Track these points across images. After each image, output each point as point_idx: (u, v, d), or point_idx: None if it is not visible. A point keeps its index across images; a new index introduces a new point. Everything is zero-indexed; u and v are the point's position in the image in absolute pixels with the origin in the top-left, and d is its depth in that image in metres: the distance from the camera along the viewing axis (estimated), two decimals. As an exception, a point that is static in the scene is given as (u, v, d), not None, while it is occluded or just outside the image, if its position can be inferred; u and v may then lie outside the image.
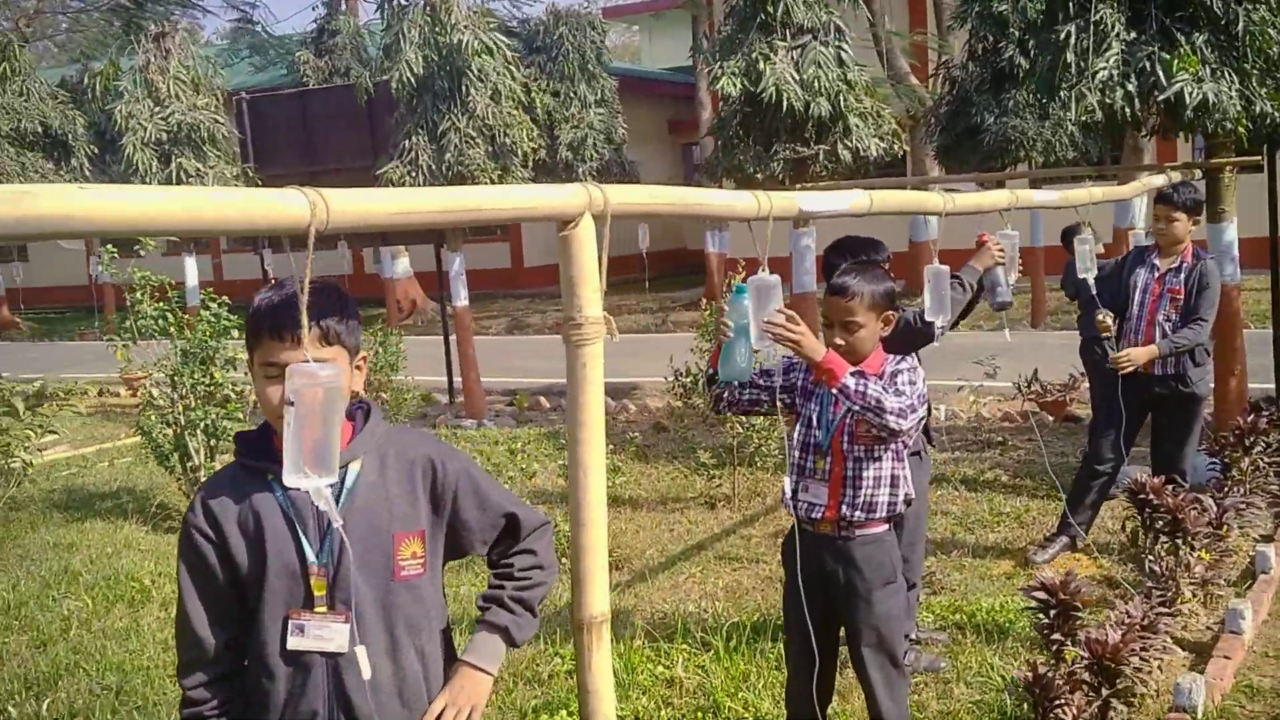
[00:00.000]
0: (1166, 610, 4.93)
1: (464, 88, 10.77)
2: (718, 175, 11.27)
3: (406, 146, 10.67)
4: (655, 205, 2.77)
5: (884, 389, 3.43)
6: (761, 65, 9.52)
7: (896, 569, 3.65)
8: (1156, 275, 6.44)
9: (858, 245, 4.99)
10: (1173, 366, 6.31)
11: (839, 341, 3.57)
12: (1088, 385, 8.32)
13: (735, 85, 9.63)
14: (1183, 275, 6.37)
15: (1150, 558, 5.40)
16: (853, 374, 3.40)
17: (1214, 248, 8.39)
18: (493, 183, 10.46)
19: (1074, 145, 15.19)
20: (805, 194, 3.48)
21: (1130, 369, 6.15)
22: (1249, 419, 6.75)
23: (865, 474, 3.58)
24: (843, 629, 3.81)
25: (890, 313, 3.65)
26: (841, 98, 9.68)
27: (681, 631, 5.49)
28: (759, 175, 13.43)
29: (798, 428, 3.76)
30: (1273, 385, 9.29)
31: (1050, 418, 10.22)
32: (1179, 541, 5.23)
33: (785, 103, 9.29)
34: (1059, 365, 11.55)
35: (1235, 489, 6.44)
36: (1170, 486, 5.70)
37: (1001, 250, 4.87)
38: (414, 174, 10.45)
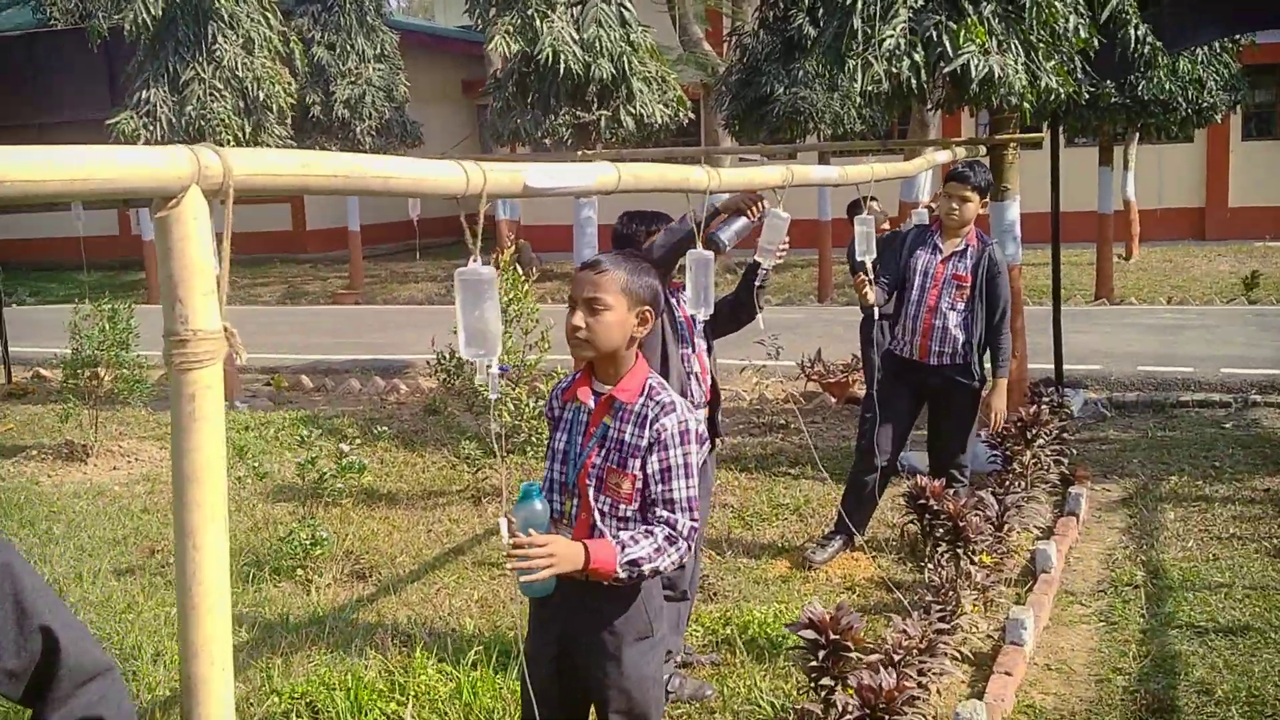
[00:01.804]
0: (946, 627, 4.55)
1: (211, 34, 9.71)
2: (504, 139, 10.58)
3: (144, 97, 9.54)
4: (305, 177, 2.07)
5: (660, 542, 2.85)
6: (539, 23, 8.84)
7: (653, 620, 3.04)
8: (940, 259, 6.12)
9: (645, 216, 4.63)
10: (960, 357, 6.05)
11: (578, 324, 2.94)
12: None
13: (510, 44, 8.93)
14: (969, 261, 6.08)
15: (930, 566, 5.04)
16: (625, 562, 2.80)
17: (997, 227, 8.20)
18: (240, 140, 9.48)
19: (861, 118, 15.05)
20: (536, 166, 2.83)
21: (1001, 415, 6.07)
22: (1031, 410, 6.51)
23: (616, 528, 2.97)
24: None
25: (648, 310, 3.03)
26: (625, 60, 9.09)
27: (421, 662, 4.83)
28: (547, 140, 12.80)
29: (547, 462, 3.14)
30: (1052, 366, 9.26)
31: (833, 399, 9.95)
32: (959, 550, 4.87)
33: (563, 64, 8.64)
34: (844, 343, 11.34)
35: (1016, 483, 6.19)
36: (951, 490, 5.36)
37: (757, 203, 4.32)
38: (150, 127, 9.35)
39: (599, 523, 2.94)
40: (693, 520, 2.91)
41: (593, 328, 2.92)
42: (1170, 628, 5.14)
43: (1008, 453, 6.33)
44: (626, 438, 2.94)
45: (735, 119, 15.60)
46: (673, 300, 4.73)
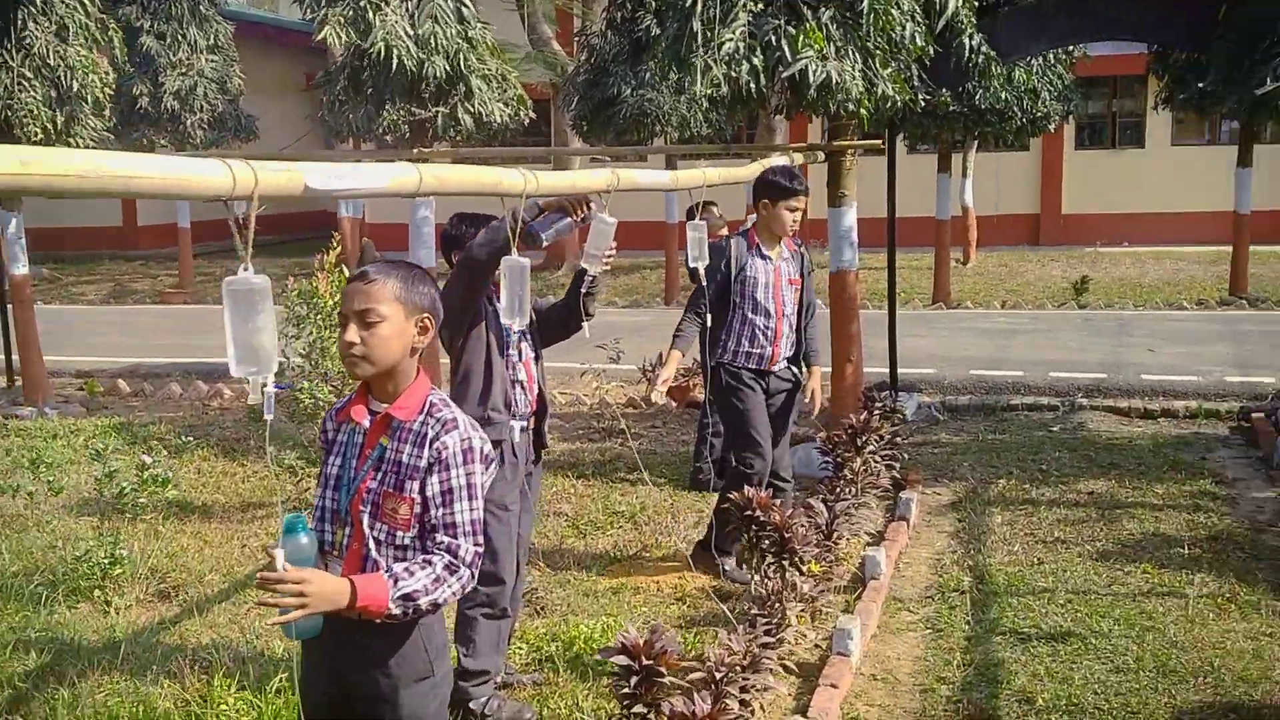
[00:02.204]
0: (771, 640, 4.46)
1: (21, 20, 9.12)
2: (342, 134, 10.20)
3: (-58, 84, 8.91)
4: (22, 177, 1.81)
5: (439, 572, 2.63)
6: (371, 16, 8.52)
7: (434, 659, 2.83)
8: (773, 265, 6.05)
9: (477, 219, 4.47)
10: (795, 360, 6.10)
11: (351, 340, 2.72)
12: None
13: (340, 37, 8.59)
14: (796, 264, 6.12)
15: (757, 578, 4.95)
16: (398, 597, 2.57)
17: (834, 232, 8.22)
18: (50, 132, 8.91)
19: (708, 122, 15.07)
20: (319, 166, 2.61)
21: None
22: (862, 417, 6.50)
23: (393, 558, 2.76)
24: None
25: (428, 318, 2.83)
26: (462, 57, 8.83)
27: (221, 690, 4.53)
28: (389, 137, 12.42)
29: (318, 489, 2.90)
30: (887, 370, 9.35)
31: (674, 403, 9.87)
32: (785, 561, 4.79)
33: (396, 59, 8.35)
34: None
35: (847, 489, 6.16)
36: (779, 500, 5.30)
37: (582, 204, 4.15)
38: (-52, 116, 8.73)
39: (374, 553, 2.72)
40: (476, 546, 2.71)
41: (368, 342, 2.71)
42: (994, 634, 5.16)
43: (839, 459, 6.31)
44: (405, 458, 2.73)
45: (583, 120, 15.47)
46: (498, 305, 4.55)
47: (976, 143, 18.41)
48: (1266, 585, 5.60)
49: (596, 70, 14.94)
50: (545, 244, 4.12)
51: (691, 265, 5.39)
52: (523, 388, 4.56)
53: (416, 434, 2.73)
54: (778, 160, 7.24)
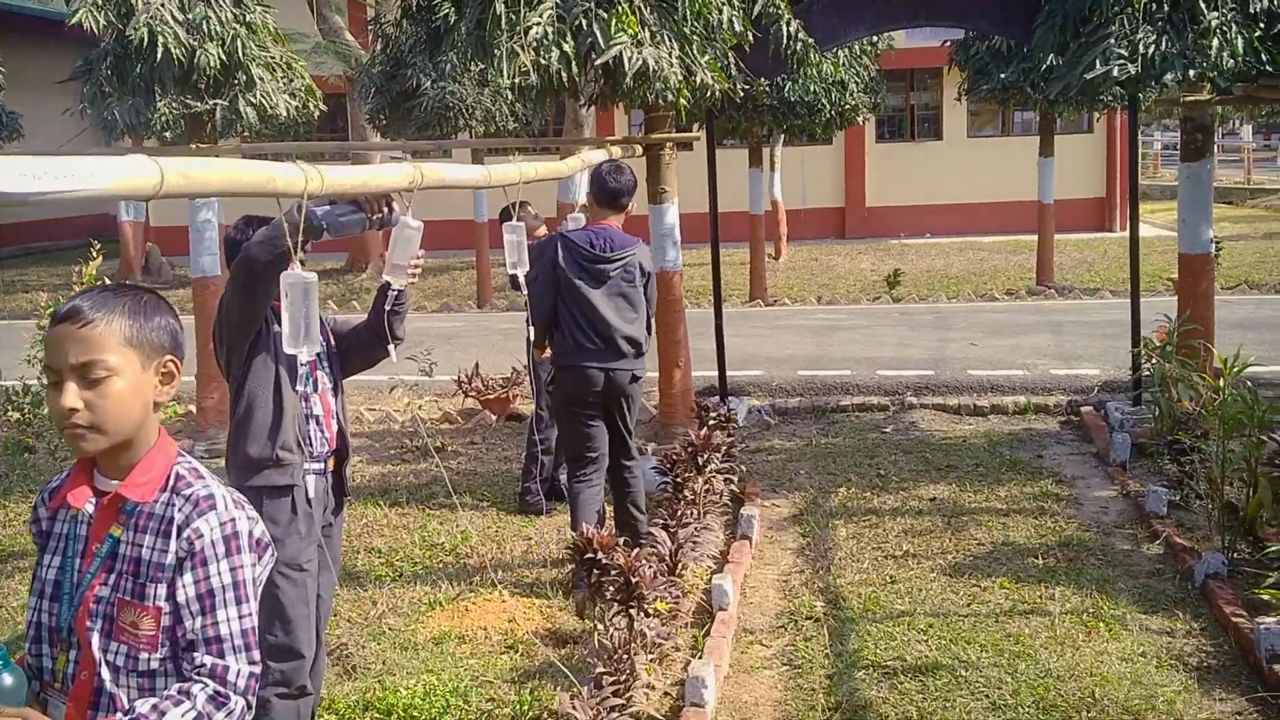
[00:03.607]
0: (620, 701, 3.90)
1: None
2: (117, 132, 9.12)
3: None
4: None
5: (201, 707, 1.97)
6: (134, -1, 7.57)
7: None
8: None
9: (265, 221, 3.71)
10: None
11: (72, 405, 2.00)
12: (531, 381, 7.39)
13: (98, 21, 7.60)
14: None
15: (600, 628, 4.36)
16: None
17: (656, 230, 7.75)
18: None
19: (514, 115, 14.42)
20: (12, 162, 1.90)
21: None
22: (701, 433, 6.00)
23: (138, 689, 2.06)
24: None
25: (171, 360, 2.12)
26: (240, 44, 7.94)
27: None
28: (168, 133, 11.34)
29: (31, 599, 2.16)
30: (715, 373, 8.93)
31: (493, 416, 9.22)
32: (633, 609, 4.23)
33: (162, 46, 7.41)
34: (504, 354, 10.65)
35: (689, 512, 5.65)
36: (622, 540, 4.74)
37: (385, 205, 3.50)
38: None
39: (109, 684, 2.01)
40: (252, 664, 2.04)
41: (96, 406, 1.99)
42: (856, 668, 4.73)
43: (678, 479, 5.79)
44: (145, 554, 2.03)
45: (380, 114, 14.60)
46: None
47: (783, 136, 18.31)
48: (1127, 596, 5.35)
49: (393, 61, 14.11)
50: (325, 235, 3.43)
51: (511, 272, 4.80)
52: (319, 424, 3.86)
53: (159, 519, 2.04)
54: (595, 154, 6.68)
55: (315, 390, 3.86)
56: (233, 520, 2.04)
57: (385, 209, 3.51)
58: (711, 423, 6.95)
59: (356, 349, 4.00)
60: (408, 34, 13.62)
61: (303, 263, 3.97)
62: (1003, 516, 6.58)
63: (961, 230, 21.79)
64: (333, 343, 3.98)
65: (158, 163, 2.31)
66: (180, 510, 2.02)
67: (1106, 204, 22.26)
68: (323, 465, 3.87)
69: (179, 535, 2.01)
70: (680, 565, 5.16)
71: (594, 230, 5.65)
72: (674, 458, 5.83)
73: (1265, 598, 4.88)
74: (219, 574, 2.01)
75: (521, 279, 4.98)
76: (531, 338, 5.08)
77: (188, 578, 2.00)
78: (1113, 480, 7.18)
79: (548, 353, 6.75)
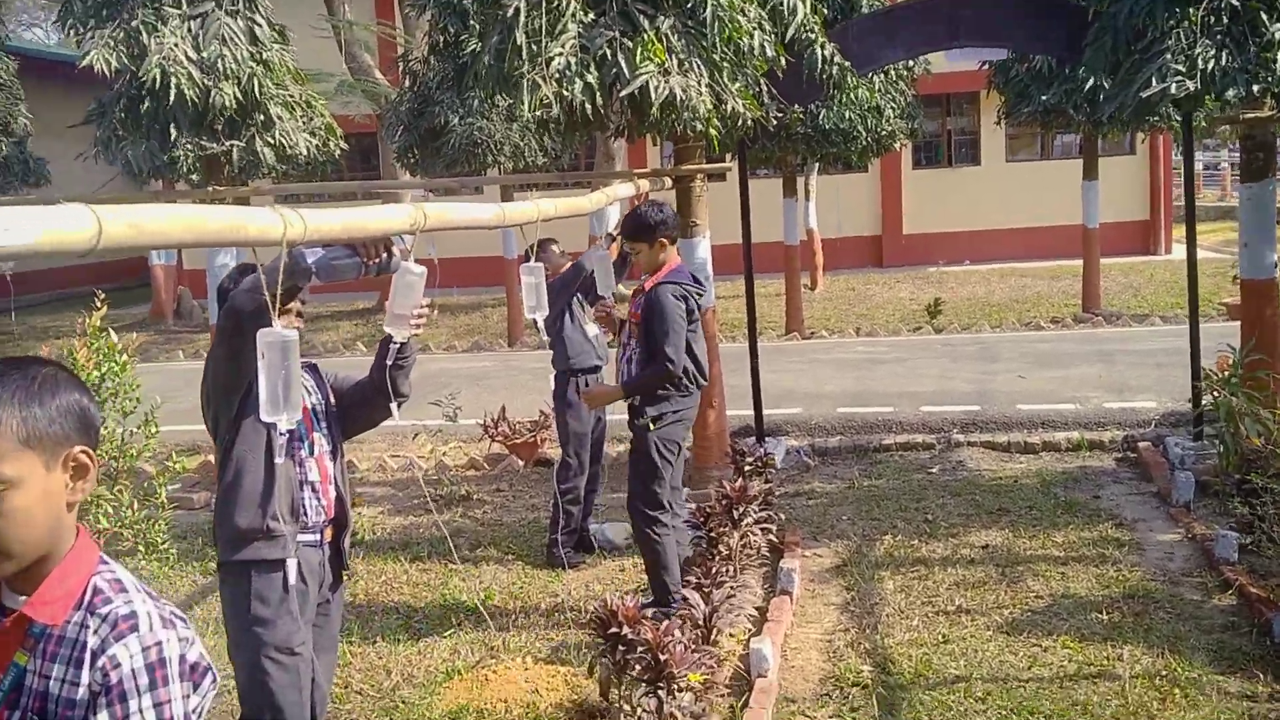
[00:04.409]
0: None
1: None
2: (143, 175, 8.91)
3: None
4: None
5: None
6: (145, 37, 7.36)
7: None
8: (633, 300, 5.55)
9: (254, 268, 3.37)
10: (636, 400, 5.42)
11: None
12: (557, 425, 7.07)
13: (109, 62, 7.40)
14: (640, 301, 5.48)
15: (626, 712, 3.98)
16: None
17: (687, 265, 7.42)
18: None
19: (543, 150, 14.17)
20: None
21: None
22: (737, 484, 5.63)
23: None
24: None
25: (82, 451, 1.76)
26: (256, 82, 7.72)
27: None
28: (194, 175, 11.16)
29: None
30: (751, 412, 8.57)
31: (520, 461, 8.88)
32: (662, 690, 3.86)
33: (174, 87, 7.19)
34: (533, 394, 10.33)
35: (724, 569, 5.28)
36: (649, 611, 4.37)
37: (385, 249, 3.18)
38: None
39: None
40: None
41: None
42: (910, 744, 4.33)
43: (712, 533, 5.41)
44: (53, 687, 1.66)
45: (408, 151, 14.40)
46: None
47: (818, 165, 17.96)
48: (1202, 654, 4.92)
49: (420, 99, 13.91)
50: (317, 280, 3.12)
51: (529, 315, 4.48)
52: (315, 490, 3.53)
53: (71, 644, 1.67)
54: (622, 188, 6.37)
55: (311, 454, 3.54)
56: (159, 644, 1.66)
57: (384, 253, 3.19)
58: (748, 468, 6.57)
59: (358, 407, 3.68)
60: (435, 70, 13.45)
61: (304, 303, 3.69)
62: (1061, 565, 6.15)
63: (1001, 256, 21.30)
64: (332, 401, 3.67)
65: (96, 213, 2.00)
66: (95, 633, 1.65)
67: (1151, 226, 21.71)
68: (318, 536, 3.54)
69: (93, 664, 1.64)
70: (715, 630, 4.78)
71: (684, 269, 5.56)
72: (708, 510, 5.45)
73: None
74: (140, 712, 1.63)
75: (540, 324, 4.67)
76: (626, 380, 4.92)
77: (103, 716, 1.64)
78: (1176, 522, 6.73)
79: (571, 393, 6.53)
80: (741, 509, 5.43)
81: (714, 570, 5.21)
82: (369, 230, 2.97)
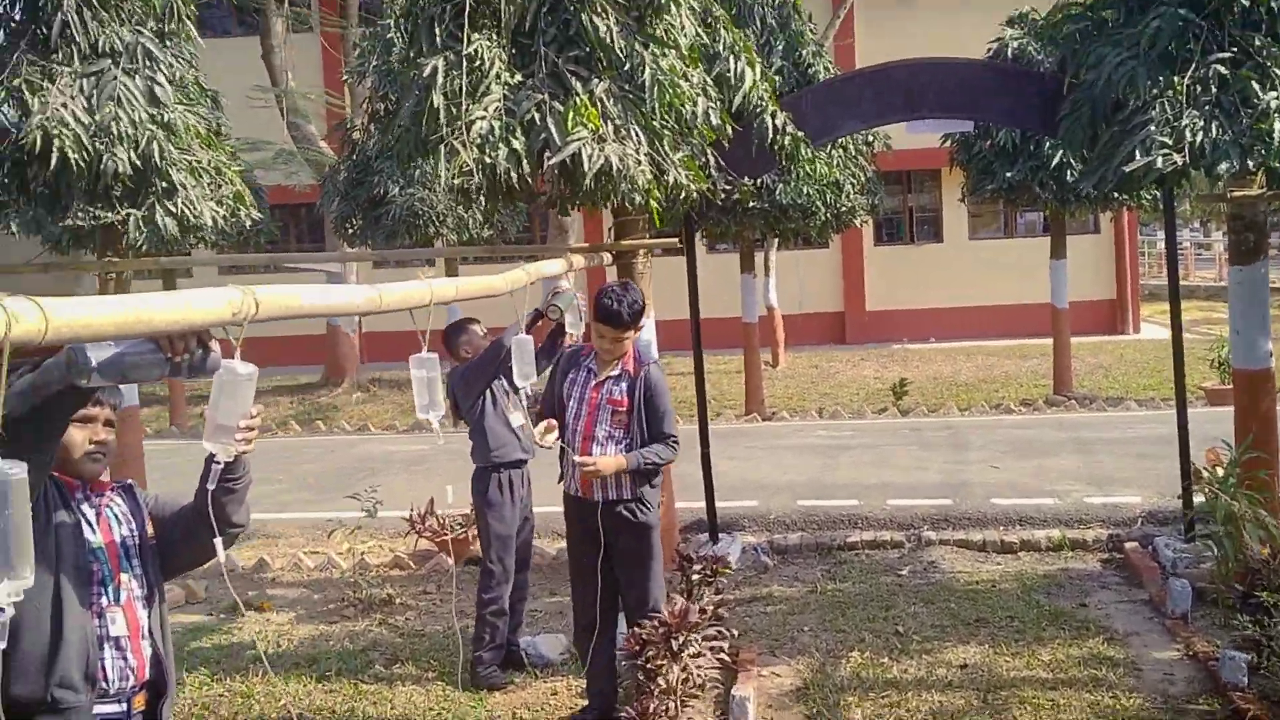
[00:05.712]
0: None
1: None
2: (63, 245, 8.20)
3: None
4: None
5: None
6: (29, 96, 6.65)
7: None
8: (595, 382, 5.19)
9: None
10: (628, 489, 5.10)
11: None
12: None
13: (-10, 122, 6.69)
14: (624, 385, 5.16)
15: None
16: None
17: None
18: None
19: (489, 223, 13.54)
20: None
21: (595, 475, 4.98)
22: (679, 607, 4.85)
23: None
24: None
25: None
26: (157, 146, 7.00)
27: None
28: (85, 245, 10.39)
29: None
30: (701, 504, 7.85)
31: (450, 560, 8.06)
32: None
33: (57, 151, 6.46)
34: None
35: (662, 707, 4.50)
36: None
37: (198, 344, 2.44)
38: None
39: None
40: None
41: None
42: None
43: (649, 665, 4.64)
44: None
45: (346, 221, 13.74)
46: (81, 512, 2.79)
47: (778, 240, 17.42)
48: (1221, 811, 4.19)
49: (360, 167, 13.29)
50: (99, 380, 2.36)
51: (421, 415, 3.74)
52: (120, 648, 2.76)
53: None
54: (548, 265, 5.66)
55: (116, 601, 2.77)
56: None
57: (196, 349, 2.44)
58: (696, 576, 5.82)
59: (183, 540, 2.92)
60: (375, 139, 12.86)
61: (115, 409, 2.94)
62: (1050, 690, 5.43)
63: (966, 334, 20.81)
64: (149, 532, 2.91)
65: None
66: None
67: (1118, 305, 21.33)
68: (124, 707, 2.77)
69: None
70: (649, 788, 4.00)
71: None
72: (644, 638, 4.68)
73: None
74: None
75: (434, 422, 3.93)
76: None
77: None
78: (1174, 637, 6.04)
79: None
80: (682, 638, 4.65)
81: (651, 710, 4.44)
82: (157, 325, 2.22)
